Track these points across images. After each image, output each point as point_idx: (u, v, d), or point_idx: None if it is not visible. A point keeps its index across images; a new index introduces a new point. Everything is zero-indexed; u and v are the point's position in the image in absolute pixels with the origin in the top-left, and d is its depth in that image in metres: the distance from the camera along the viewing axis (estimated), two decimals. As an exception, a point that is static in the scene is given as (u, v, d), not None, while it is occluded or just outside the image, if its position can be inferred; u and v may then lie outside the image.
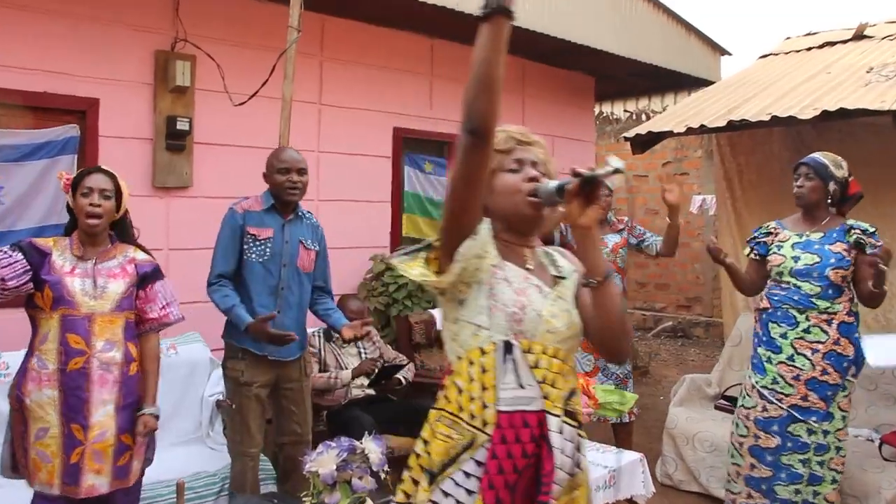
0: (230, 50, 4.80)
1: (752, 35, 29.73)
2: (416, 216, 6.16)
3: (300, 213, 3.60)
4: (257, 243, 3.46)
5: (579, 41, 6.11)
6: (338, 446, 2.41)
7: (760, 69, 5.78)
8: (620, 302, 1.71)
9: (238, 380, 3.48)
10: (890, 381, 4.10)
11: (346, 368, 4.36)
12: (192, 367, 4.14)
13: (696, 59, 7.39)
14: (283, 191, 3.46)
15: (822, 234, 3.49)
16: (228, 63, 4.68)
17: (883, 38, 5.49)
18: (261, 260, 3.45)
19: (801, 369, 3.42)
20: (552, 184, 1.64)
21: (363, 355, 4.51)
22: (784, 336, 3.51)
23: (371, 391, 4.41)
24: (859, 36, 5.71)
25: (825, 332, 3.40)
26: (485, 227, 1.65)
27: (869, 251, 3.38)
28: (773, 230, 3.70)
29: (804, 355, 3.42)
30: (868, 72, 4.50)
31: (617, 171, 1.50)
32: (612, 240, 4.55)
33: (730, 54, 7.67)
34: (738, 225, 5.39)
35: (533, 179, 1.70)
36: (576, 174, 1.54)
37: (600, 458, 3.35)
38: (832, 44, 5.81)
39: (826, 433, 3.41)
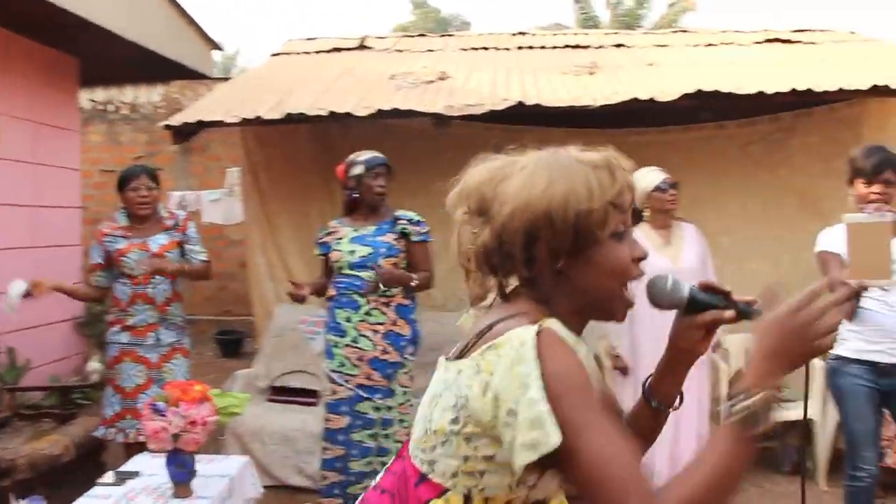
0: None
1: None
2: None
3: None
4: None
5: (68, 8, 5.36)
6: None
7: (280, 67, 5.95)
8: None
9: None
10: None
11: None
12: None
13: (191, 48, 7.17)
14: None
15: (375, 228, 3.81)
16: None
17: (382, 50, 6.18)
18: None
19: (364, 350, 3.68)
20: (685, 288, 1.23)
21: None
22: (348, 320, 3.75)
23: None
24: (362, 46, 6.31)
25: (384, 314, 3.71)
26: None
27: (414, 238, 3.79)
28: (332, 229, 3.90)
29: (366, 336, 3.68)
30: (391, 78, 5.01)
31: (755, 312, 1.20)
32: (160, 241, 4.08)
33: (221, 49, 7.66)
34: (266, 215, 5.47)
35: (640, 259, 1.23)
36: (736, 307, 1.21)
37: (214, 469, 3.11)
38: (339, 50, 6.30)
39: (390, 408, 3.73)
